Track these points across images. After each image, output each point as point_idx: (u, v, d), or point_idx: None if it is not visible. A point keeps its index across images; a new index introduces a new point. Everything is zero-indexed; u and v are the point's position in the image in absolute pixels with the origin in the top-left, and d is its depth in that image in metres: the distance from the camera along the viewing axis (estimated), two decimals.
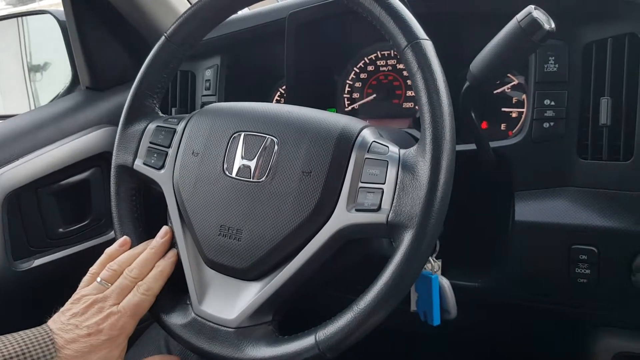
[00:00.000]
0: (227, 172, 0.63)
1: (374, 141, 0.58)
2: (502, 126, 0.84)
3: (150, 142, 0.70)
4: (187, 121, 0.69)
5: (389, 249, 0.55)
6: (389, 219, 0.52)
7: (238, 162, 0.62)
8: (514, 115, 0.84)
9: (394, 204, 0.53)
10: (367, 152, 0.57)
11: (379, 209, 0.53)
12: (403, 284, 0.52)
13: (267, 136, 0.62)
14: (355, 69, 0.98)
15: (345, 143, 0.58)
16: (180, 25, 0.70)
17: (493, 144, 0.73)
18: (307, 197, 0.57)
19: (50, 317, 0.63)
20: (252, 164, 0.61)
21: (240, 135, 0.64)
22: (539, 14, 0.58)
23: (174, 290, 0.67)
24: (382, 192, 0.54)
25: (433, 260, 0.66)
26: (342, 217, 0.56)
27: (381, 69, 0.96)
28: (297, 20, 0.88)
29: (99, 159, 0.99)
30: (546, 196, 0.72)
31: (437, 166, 0.51)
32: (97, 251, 0.98)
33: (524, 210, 0.72)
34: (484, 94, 0.85)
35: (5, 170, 0.87)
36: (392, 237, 0.53)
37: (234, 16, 0.78)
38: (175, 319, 0.63)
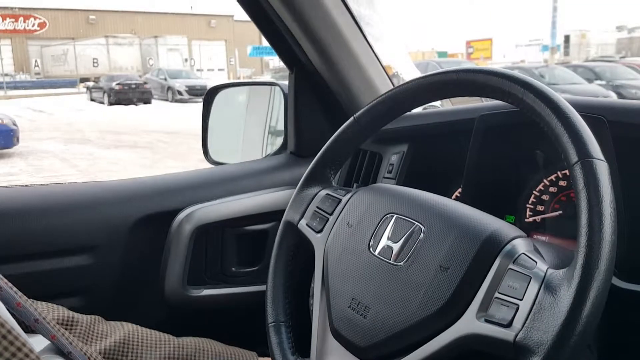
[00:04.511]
0: (371, 249, 0.65)
1: (524, 253, 0.54)
2: None
3: (317, 207, 0.76)
4: (352, 194, 0.74)
5: None
6: (516, 339, 0.48)
7: (383, 241, 0.64)
8: None
9: (526, 324, 0.48)
10: (513, 262, 0.54)
11: (509, 325, 0.49)
12: None
13: (416, 223, 0.62)
14: (546, 180, 0.93)
15: (491, 248, 0.55)
16: (368, 110, 0.75)
17: None
18: (438, 293, 0.56)
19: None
20: (396, 246, 0.62)
21: (392, 217, 0.65)
22: None
23: (299, 348, 0.69)
24: (517, 308, 0.50)
25: None
26: (468, 323, 0.53)
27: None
28: (487, 122, 0.88)
29: (280, 215, 1.10)
30: None
31: (583, 296, 0.46)
32: (258, 297, 1.07)
33: None
34: None
35: (202, 206, 1.02)
36: None
37: (426, 110, 0.81)
38: None
